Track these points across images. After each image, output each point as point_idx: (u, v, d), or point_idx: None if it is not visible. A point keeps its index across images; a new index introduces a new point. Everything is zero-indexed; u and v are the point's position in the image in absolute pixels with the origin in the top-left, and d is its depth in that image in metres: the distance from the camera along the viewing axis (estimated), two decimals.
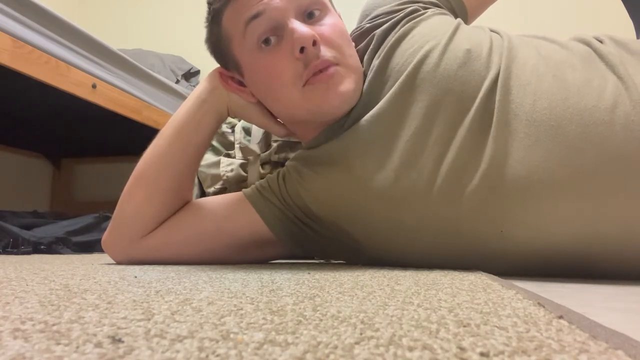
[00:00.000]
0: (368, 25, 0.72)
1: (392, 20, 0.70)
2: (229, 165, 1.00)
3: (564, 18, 2.04)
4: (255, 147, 0.99)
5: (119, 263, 0.75)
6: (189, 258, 0.73)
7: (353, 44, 0.69)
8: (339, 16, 0.71)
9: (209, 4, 0.69)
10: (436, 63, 0.63)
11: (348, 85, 0.64)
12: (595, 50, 0.60)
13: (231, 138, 1.06)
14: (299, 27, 0.61)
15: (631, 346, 0.21)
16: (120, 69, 1.60)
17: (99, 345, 0.20)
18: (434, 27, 0.68)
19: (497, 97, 0.59)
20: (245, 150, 1.01)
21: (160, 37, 2.57)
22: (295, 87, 0.63)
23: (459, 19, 0.71)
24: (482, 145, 0.58)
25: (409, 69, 0.64)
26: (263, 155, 0.99)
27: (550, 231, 0.57)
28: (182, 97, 2.07)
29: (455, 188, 0.59)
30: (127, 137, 2.01)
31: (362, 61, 0.70)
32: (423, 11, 0.71)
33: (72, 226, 1.31)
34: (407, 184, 0.61)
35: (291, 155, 0.89)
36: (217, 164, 1.02)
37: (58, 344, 0.20)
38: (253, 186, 0.74)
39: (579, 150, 0.54)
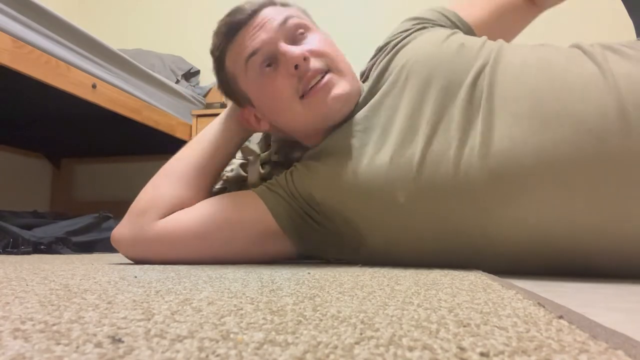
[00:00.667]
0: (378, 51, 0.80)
1: (398, 37, 0.78)
2: (229, 165, 1.00)
3: (563, 18, 2.05)
4: (255, 147, 0.99)
5: (129, 257, 0.76)
6: (197, 251, 0.73)
7: (341, 51, 0.77)
8: (324, 32, 0.79)
9: (212, 53, 0.79)
10: (430, 52, 0.71)
11: (343, 86, 0.71)
12: (581, 48, 0.65)
13: None
14: (289, 49, 0.70)
15: (631, 346, 0.21)
16: (120, 69, 1.60)
17: (99, 345, 0.20)
18: (435, 34, 0.75)
19: (486, 80, 0.64)
20: (245, 150, 1.00)
21: (160, 37, 2.58)
22: (295, 101, 0.71)
23: (457, 30, 0.78)
24: (472, 123, 0.62)
25: (403, 62, 0.72)
26: (263, 155, 0.99)
27: (537, 217, 0.59)
28: (182, 97, 2.07)
29: (446, 165, 0.62)
30: (127, 137, 2.02)
31: (368, 75, 0.78)
32: (430, 27, 0.79)
33: (72, 226, 1.31)
34: (401, 162, 0.65)
35: (291, 155, 0.90)
36: None
37: (58, 344, 0.20)
38: (262, 185, 0.78)
39: (556, 123, 0.57)
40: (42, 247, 1.14)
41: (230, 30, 0.74)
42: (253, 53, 0.71)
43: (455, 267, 0.65)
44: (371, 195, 0.66)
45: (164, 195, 0.76)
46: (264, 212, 0.72)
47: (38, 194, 2.35)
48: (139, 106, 1.67)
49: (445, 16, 0.81)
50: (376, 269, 0.63)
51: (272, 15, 0.72)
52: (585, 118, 0.56)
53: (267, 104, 0.75)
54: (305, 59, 0.69)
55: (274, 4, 0.76)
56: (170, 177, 0.78)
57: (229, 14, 0.75)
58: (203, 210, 0.74)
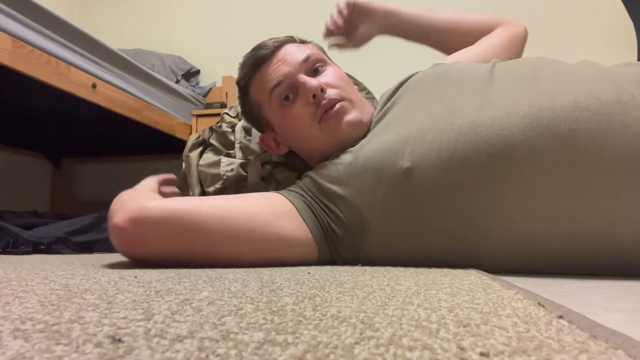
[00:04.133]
0: None
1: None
2: (229, 165, 1.00)
3: (562, 18, 2.05)
4: (255, 146, 0.99)
5: (130, 247, 0.63)
6: (214, 241, 0.65)
7: (355, 86, 0.86)
8: (338, 67, 0.88)
9: (237, 84, 0.88)
10: (436, 70, 0.81)
11: (355, 114, 0.79)
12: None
13: (231, 138, 1.06)
14: (309, 80, 0.79)
15: (631, 346, 0.21)
16: (120, 69, 1.60)
17: (99, 345, 0.20)
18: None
19: (491, 69, 0.74)
20: (245, 149, 1.01)
21: (160, 37, 2.57)
22: (313, 126, 0.79)
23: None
24: (481, 101, 0.69)
25: (408, 83, 0.83)
26: (263, 155, 0.99)
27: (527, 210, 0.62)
28: (182, 97, 2.07)
29: (447, 138, 0.67)
30: (127, 137, 2.01)
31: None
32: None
33: (72, 226, 1.31)
34: (404, 133, 0.71)
35: (292, 154, 0.92)
36: (217, 164, 1.02)
37: (58, 344, 0.20)
38: (287, 190, 0.78)
39: (553, 88, 0.64)
40: (42, 247, 1.14)
41: (256, 62, 0.83)
42: (278, 84, 0.80)
43: (454, 263, 0.66)
44: (376, 170, 0.70)
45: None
46: (300, 224, 0.71)
47: (38, 194, 2.35)
48: (139, 106, 1.67)
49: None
50: (376, 269, 0.63)
51: (293, 51, 0.82)
52: (577, 90, 0.63)
53: (288, 129, 0.83)
54: (322, 89, 0.78)
55: (294, 40, 0.86)
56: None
57: (254, 49, 0.85)
58: (234, 203, 0.68)
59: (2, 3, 1.15)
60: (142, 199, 0.66)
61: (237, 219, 0.67)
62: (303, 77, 0.79)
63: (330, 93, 0.79)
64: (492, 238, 0.64)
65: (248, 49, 0.87)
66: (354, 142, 0.78)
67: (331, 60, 0.89)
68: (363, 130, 0.80)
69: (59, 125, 1.85)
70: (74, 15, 2.70)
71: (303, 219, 0.72)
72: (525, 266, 0.65)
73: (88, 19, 2.70)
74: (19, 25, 1.19)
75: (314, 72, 0.82)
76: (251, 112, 0.88)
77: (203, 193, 1.04)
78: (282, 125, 0.84)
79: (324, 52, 0.89)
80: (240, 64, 0.87)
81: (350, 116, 0.79)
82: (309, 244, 0.72)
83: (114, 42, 1.74)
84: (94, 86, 1.43)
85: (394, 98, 0.81)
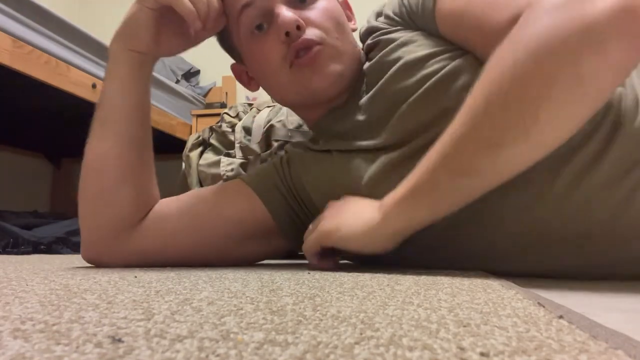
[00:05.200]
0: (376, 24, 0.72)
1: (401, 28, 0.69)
2: (229, 165, 1.01)
3: None
4: (255, 146, 0.99)
5: (109, 264, 0.67)
6: (185, 248, 0.68)
7: (348, 27, 0.70)
8: (343, 2, 0.73)
9: None
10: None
11: (334, 67, 0.65)
12: None
13: (231, 137, 1.06)
14: (284, 12, 0.63)
15: (631, 346, 0.21)
16: None
17: (99, 345, 0.20)
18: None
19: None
20: (245, 149, 1.01)
21: None
22: (282, 70, 0.66)
23: None
24: None
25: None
26: (263, 154, 0.99)
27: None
28: (182, 97, 2.07)
29: None
30: None
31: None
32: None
33: (72, 226, 1.31)
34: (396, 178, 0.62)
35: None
36: (217, 164, 1.03)
37: (58, 344, 0.20)
38: (251, 172, 0.75)
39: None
40: (42, 247, 1.15)
41: None
42: (247, 4, 0.65)
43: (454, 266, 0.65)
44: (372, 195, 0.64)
45: (124, 200, 0.66)
46: (258, 206, 0.69)
47: (38, 194, 2.35)
48: None
49: None
50: (376, 270, 0.63)
51: None
52: None
53: (256, 67, 0.70)
54: (299, 27, 0.63)
55: None
56: (111, 174, 0.67)
57: None
58: (189, 206, 0.69)
59: (2, 3, 1.15)
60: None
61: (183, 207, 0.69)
62: (280, 7, 0.64)
63: (309, 33, 0.64)
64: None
65: None
66: (336, 99, 0.69)
67: None
68: (341, 85, 0.67)
69: (59, 125, 1.86)
70: (74, 15, 2.70)
71: (262, 200, 0.69)
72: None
73: (88, 19, 2.71)
74: (19, 25, 1.19)
75: (301, 1, 0.66)
76: (223, 38, 0.74)
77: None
78: (250, 60, 0.71)
79: None
80: None
81: (329, 69, 0.65)
82: (268, 226, 0.69)
83: None
84: (94, 86, 1.43)
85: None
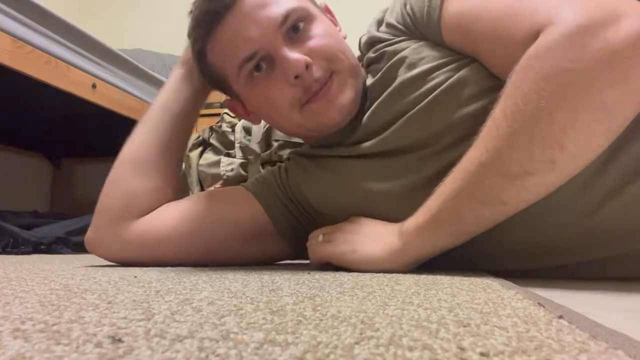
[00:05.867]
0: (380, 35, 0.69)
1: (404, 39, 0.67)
2: (229, 165, 1.01)
3: None
4: (255, 146, 0.99)
5: (109, 259, 0.71)
6: (185, 249, 0.69)
7: (346, 43, 0.67)
8: (324, 10, 0.70)
9: (189, 37, 0.68)
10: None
11: (348, 94, 0.63)
12: None
13: (231, 137, 1.06)
14: (289, 54, 0.60)
15: (631, 346, 0.21)
16: (120, 69, 1.60)
17: (99, 345, 0.20)
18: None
19: None
20: (245, 149, 1.01)
21: (160, 37, 2.57)
22: (293, 112, 0.63)
23: None
24: None
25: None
26: (263, 154, 0.99)
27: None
28: None
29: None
30: (127, 137, 2.01)
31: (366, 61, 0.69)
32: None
33: (72, 226, 1.31)
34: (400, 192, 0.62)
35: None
36: (217, 164, 1.03)
37: (58, 344, 0.20)
38: (252, 179, 0.75)
39: None
40: (42, 247, 1.15)
41: (212, 18, 0.62)
42: (250, 58, 0.61)
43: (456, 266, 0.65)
44: (371, 214, 0.64)
45: (138, 189, 0.70)
46: (259, 211, 0.70)
47: (38, 194, 2.35)
48: (139, 106, 1.67)
49: None
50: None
51: (266, 3, 0.61)
52: None
53: (261, 108, 0.68)
54: (308, 66, 0.60)
55: None
56: (136, 167, 0.72)
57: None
58: (191, 207, 0.70)
59: (2, 3, 1.15)
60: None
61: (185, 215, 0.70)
62: (283, 50, 0.60)
63: (318, 69, 0.61)
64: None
65: None
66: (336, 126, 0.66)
67: (315, 5, 0.68)
68: (353, 112, 0.65)
69: (59, 125, 1.85)
70: (74, 15, 2.70)
71: (268, 214, 0.70)
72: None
73: (88, 19, 2.70)
74: (19, 25, 1.19)
75: (294, 29, 0.62)
76: (212, 77, 0.69)
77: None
78: (252, 101, 0.68)
79: None
80: (190, 10, 0.65)
81: (343, 98, 0.63)
82: (268, 231, 0.70)
83: (114, 42, 1.74)
84: (94, 86, 1.43)
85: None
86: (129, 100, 1.62)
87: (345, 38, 0.70)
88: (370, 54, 0.68)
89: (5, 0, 1.16)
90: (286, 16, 0.61)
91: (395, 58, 0.64)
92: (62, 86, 1.31)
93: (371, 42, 0.69)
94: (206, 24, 0.63)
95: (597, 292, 0.47)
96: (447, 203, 0.52)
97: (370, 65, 0.69)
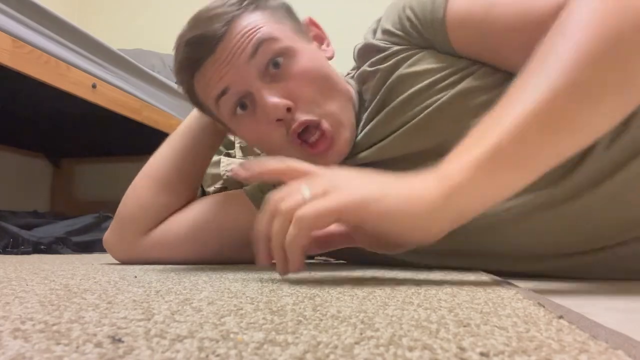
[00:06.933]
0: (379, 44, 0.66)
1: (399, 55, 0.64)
2: (229, 165, 1.00)
3: None
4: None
5: (120, 262, 0.76)
6: (189, 255, 0.73)
7: (334, 74, 0.65)
8: (308, 25, 0.69)
9: (178, 85, 0.70)
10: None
11: (343, 135, 0.62)
12: None
13: (231, 137, 1.06)
14: (268, 99, 0.59)
15: (631, 346, 0.21)
16: (120, 69, 1.60)
17: (99, 345, 0.20)
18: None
19: None
20: (245, 149, 1.01)
21: (160, 37, 2.57)
22: (290, 147, 0.62)
23: None
24: None
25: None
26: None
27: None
28: (182, 97, 2.07)
29: None
30: (127, 137, 2.01)
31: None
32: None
33: (72, 226, 1.31)
34: None
35: None
36: (217, 164, 1.02)
37: (58, 344, 0.20)
38: (255, 184, 0.75)
39: None
40: (42, 247, 1.14)
41: (192, 65, 0.63)
42: (223, 92, 0.62)
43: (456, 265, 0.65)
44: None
45: (152, 204, 0.74)
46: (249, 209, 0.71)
47: (38, 194, 2.35)
48: (139, 106, 1.67)
49: None
50: (376, 269, 0.63)
51: (238, 42, 0.60)
52: None
53: (252, 142, 0.69)
54: (290, 109, 0.59)
55: (238, 17, 0.61)
56: (154, 181, 0.76)
57: (188, 44, 0.62)
58: (195, 213, 0.74)
59: (2, 3, 1.15)
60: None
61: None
62: (259, 91, 0.59)
63: (304, 115, 0.60)
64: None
65: None
66: None
67: (298, 32, 0.65)
68: (351, 146, 0.65)
69: (59, 125, 1.85)
70: (74, 15, 2.70)
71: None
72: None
73: (88, 19, 2.70)
74: (19, 25, 1.19)
75: (274, 65, 0.60)
76: (202, 109, 0.71)
77: (203, 193, 1.04)
78: (241, 135, 0.69)
79: (290, 18, 0.65)
80: (173, 52, 0.66)
81: (339, 141, 0.62)
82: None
83: (114, 42, 1.74)
84: (94, 86, 1.43)
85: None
86: (129, 100, 1.61)
87: (331, 57, 0.69)
88: (366, 68, 0.66)
89: (5, 0, 1.16)
90: (256, 47, 0.59)
91: (392, 78, 0.62)
92: (62, 86, 1.31)
93: (367, 51, 0.66)
94: (188, 70, 0.64)
95: (597, 292, 0.47)
96: (511, 131, 0.41)
97: (365, 80, 0.67)
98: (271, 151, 0.65)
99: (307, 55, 0.63)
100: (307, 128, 0.61)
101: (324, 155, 0.62)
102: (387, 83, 0.63)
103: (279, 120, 0.60)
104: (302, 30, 0.67)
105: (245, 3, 0.62)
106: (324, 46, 0.70)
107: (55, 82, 1.28)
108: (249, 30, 0.60)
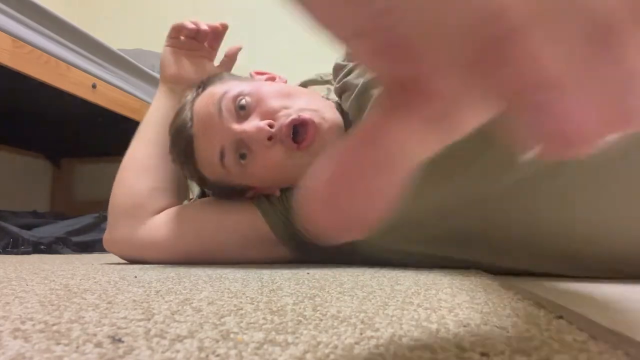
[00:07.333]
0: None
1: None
2: None
3: None
4: None
5: (122, 258, 0.77)
6: (189, 254, 0.73)
7: (299, 89, 0.74)
8: (254, 77, 0.78)
9: (173, 161, 0.75)
10: None
11: (326, 122, 0.67)
12: None
13: None
14: (248, 127, 0.64)
15: (631, 346, 0.21)
16: (120, 69, 1.60)
17: (99, 345, 0.20)
18: None
19: None
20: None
21: (160, 37, 2.57)
22: (294, 158, 0.66)
23: None
24: None
25: None
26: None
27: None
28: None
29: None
30: (127, 137, 2.01)
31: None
32: None
33: (72, 226, 1.31)
34: None
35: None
36: None
37: (58, 344, 0.20)
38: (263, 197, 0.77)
39: None
40: (42, 247, 1.14)
41: (187, 150, 0.70)
42: (222, 155, 0.67)
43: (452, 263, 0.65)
44: None
45: (139, 189, 0.75)
46: (259, 220, 0.72)
47: (38, 194, 2.35)
48: (139, 106, 1.67)
49: None
50: (376, 269, 0.63)
51: (204, 108, 0.68)
52: None
53: (264, 180, 0.71)
54: (271, 125, 0.64)
55: (197, 94, 0.71)
56: (135, 171, 0.78)
57: (174, 138, 0.72)
58: (192, 217, 0.75)
59: (2, 3, 1.15)
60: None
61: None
62: (242, 128, 0.65)
63: (283, 117, 0.65)
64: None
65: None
66: None
67: (250, 79, 0.76)
68: (343, 125, 0.69)
69: (59, 125, 1.85)
70: (74, 15, 2.70)
71: (266, 220, 0.72)
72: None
73: (88, 19, 2.70)
74: (19, 25, 1.19)
75: (241, 108, 0.67)
76: (222, 190, 0.76)
77: (203, 194, 1.04)
78: (257, 181, 0.71)
79: (236, 77, 0.75)
80: (170, 149, 0.74)
81: (325, 125, 0.66)
82: (268, 237, 0.72)
83: (114, 42, 1.74)
84: (94, 86, 1.43)
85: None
86: (129, 100, 1.61)
87: (286, 82, 0.79)
88: (336, 85, 0.73)
89: (5, 0, 1.16)
90: (219, 107, 0.67)
91: (358, 89, 0.67)
92: (62, 86, 1.31)
93: (336, 69, 0.74)
94: (184, 155, 0.71)
95: (597, 292, 0.47)
96: None
97: (341, 93, 0.73)
98: (284, 174, 0.68)
99: (264, 85, 0.71)
100: (297, 131, 0.65)
101: (319, 144, 0.65)
102: (356, 91, 0.68)
103: (270, 139, 0.64)
104: (250, 79, 0.77)
105: (197, 90, 0.73)
106: (277, 81, 0.79)
107: (55, 82, 1.28)
108: (207, 100, 0.69)
